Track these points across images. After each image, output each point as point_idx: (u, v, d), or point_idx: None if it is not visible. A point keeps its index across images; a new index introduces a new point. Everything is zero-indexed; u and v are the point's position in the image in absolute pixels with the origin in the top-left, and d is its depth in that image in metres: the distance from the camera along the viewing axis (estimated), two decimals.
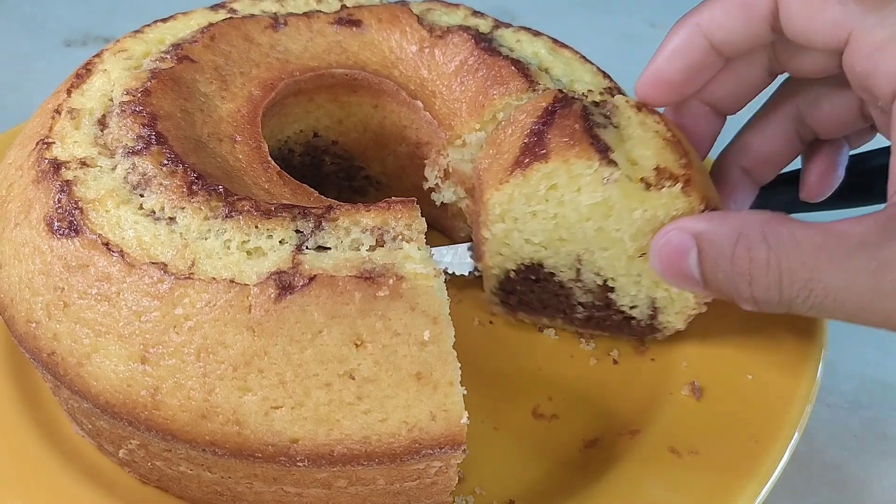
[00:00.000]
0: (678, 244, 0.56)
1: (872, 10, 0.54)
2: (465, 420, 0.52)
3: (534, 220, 0.65)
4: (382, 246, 0.54)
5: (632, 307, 0.69)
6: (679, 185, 0.60)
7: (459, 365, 0.52)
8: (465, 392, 0.52)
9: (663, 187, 0.60)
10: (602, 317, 0.71)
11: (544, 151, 0.61)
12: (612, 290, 0.68)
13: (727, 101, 0.67)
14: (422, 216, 0.56)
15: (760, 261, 0.51)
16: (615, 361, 0.73)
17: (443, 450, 0.52)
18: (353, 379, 0.51)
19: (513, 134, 0.65)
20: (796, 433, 0.62)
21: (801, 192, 0.70)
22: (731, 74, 0.65)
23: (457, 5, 0.80)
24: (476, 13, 0.79)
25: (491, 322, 0.76)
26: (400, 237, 0.55)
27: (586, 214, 0.63)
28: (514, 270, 0.69)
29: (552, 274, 0.68)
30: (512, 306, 0.73)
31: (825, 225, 0.51)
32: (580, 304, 0.70)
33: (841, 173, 0.69)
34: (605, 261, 0.66)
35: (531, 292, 0.71)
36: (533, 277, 0.69)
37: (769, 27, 0.59)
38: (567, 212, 0.63)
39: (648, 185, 0.61)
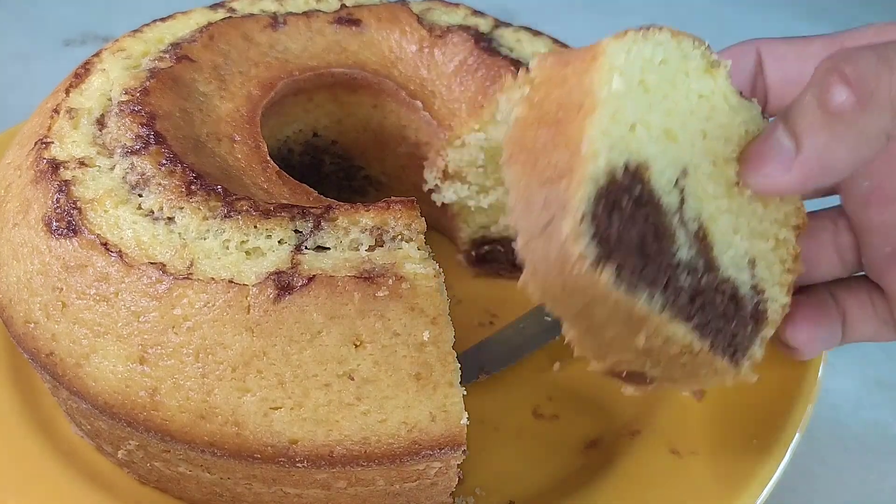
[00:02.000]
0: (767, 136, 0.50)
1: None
2: (464, 421, 0.51)
3: (645, 96, 0.53)
4: (382, 246, 0.54)
5: (736, 271, 0.56)
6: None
7: (459, 365, 0.52)
8: (465, 392, 0.52)
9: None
10: (708, 291, 0.55)
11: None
12: (710, 242, 0.55)
13: None
14: (421, 216, 0.56)
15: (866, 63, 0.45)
16: None
17: (442, 450, 0.51)
18: (353, 379, 0.50)
19: None
20: (797, 434, 0.62)
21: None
22: None
23: (457, 4, 0.80)
24: (476, 12, 0.79)
25: (491, 322, 0.76)
26: (399, 237, 0.54)
27: (694, 107, 0.55)
28: (622, 169, 0.50)
29: (653, 198, 0.52)
30: (608, 244, 0.49)
31: None
32: (683, 263, 0.54)
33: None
34: (708, 182, 0.55)
35: (631, 221, 0.51)
36: (637, 192, 0.51)
37: (751, 87, 0.61)
38: (677, 97, 0.55)
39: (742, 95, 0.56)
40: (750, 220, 0.57)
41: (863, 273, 0.61)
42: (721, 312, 0.55)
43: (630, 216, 0.51)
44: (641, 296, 0.50)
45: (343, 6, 0.77)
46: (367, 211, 0.55)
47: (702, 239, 0.55)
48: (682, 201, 0.54)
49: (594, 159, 0.49)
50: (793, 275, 0.59)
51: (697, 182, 0.55)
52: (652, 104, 0.53)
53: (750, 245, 0.57)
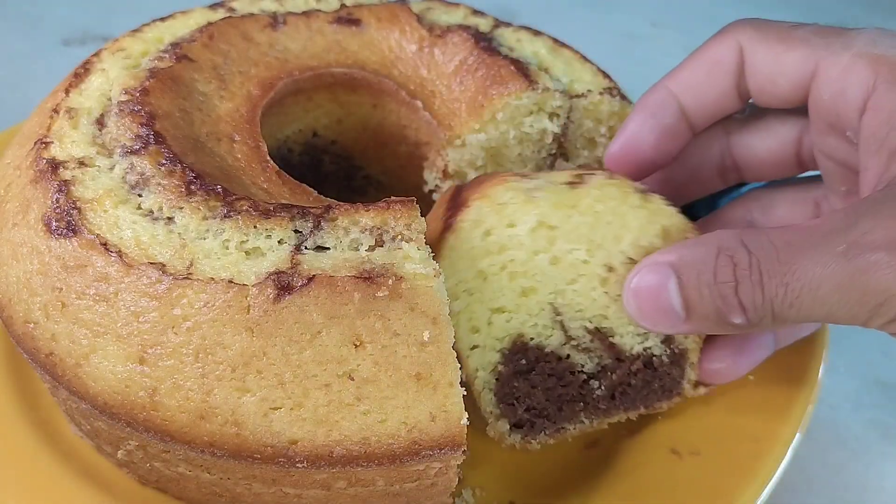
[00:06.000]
0: (655, 277, 0.54)
1: (837, 37, 0.57)
2: (465, 421, 0.51)
3: (487, 284, 0.59)
4: (382, 246, 0.54)
5: (642, 341, 0.62)
6: (607, 173, 0.61)
7: (459, 365, 0.52)
8: (465, 392, 0.52)
9: (591, 176, 0.60)
10: (623, 381, 0.62)
11: (462, 199, 0.61)
12: (608, 334, 0.61)
13: (685, 187, 0.69)
14: (421, 216, 0.56)
15: (743, 264, 0.51)
16: None
17: (443, 451, 0.51)
18: (353, 380, 0.50)
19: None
20: (798, 434, 0.62)
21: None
22: (690, 156, 0.67)
23: (457, 4, 0.80)
24: (476, 12, 0.79)
25: None
26: (399, 237, 0.54)
27: (531, 246, 0.59)
28: (500, 363, 0.59)
29: (541, 349, 0.60)
30: (527, 423, 0.61)
31: (797, 225, 0.52)
32: (591, 377, 0.61)
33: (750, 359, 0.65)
34: (581, 297, 0.60)
35: (533, 389, 0.60)
36: (524, 364, 0.60)
37: (735, 86, 0.62)
38: (514, 253, 0.59)
39: (571, 183, 0.60)
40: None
41: None
42: (645, 384, 0.62)
43: (528, 386, 0.60)
44: (566, 427, 0.62)
45: (343, 6, 0.77)
46: (367, 211, 0.55)
47: (599, 335, 0.61)
48: (566, 331, 0.60)
49: (477, 378, 0.60)
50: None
51: (572, 303, 0.60)
52: (497, 286, 0.59)
53: None
